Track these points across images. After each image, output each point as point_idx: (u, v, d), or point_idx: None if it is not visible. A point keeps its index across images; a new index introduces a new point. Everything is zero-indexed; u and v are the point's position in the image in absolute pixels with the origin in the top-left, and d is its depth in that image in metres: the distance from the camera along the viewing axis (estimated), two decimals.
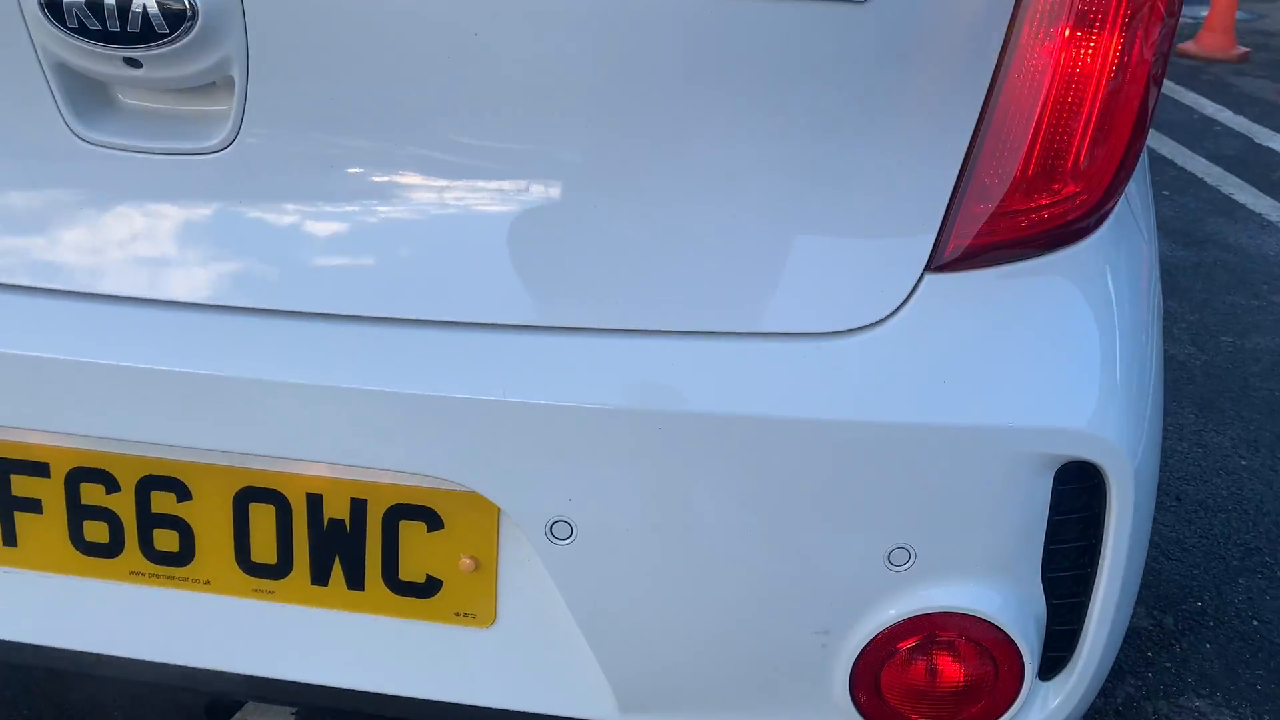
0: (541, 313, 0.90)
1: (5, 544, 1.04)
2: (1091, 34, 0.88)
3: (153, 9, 0.84)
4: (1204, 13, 5.93)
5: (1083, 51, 0.88)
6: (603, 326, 0.90)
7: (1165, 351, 2.37)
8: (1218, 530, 2.03)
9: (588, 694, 1.00)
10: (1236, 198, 3.71)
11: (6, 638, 1.07)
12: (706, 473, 0.90)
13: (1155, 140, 4.24)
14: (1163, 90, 4.03)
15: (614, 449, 0.90)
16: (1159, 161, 4.02)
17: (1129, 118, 0.91)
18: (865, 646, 0.95)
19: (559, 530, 0.92)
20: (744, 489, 0.90)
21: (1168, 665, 1.72)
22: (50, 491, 1.02)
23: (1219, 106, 4.75)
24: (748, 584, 0.94)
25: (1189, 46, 5.60)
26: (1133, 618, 1.60)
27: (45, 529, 1.03)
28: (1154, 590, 1.87)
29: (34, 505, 1.02)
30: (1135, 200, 1.08)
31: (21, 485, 1.02)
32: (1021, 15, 0.86)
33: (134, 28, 0.84)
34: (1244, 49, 5.58)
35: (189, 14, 0.84)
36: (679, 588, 0.94)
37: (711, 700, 1.00)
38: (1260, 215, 3.55)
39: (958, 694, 0.99)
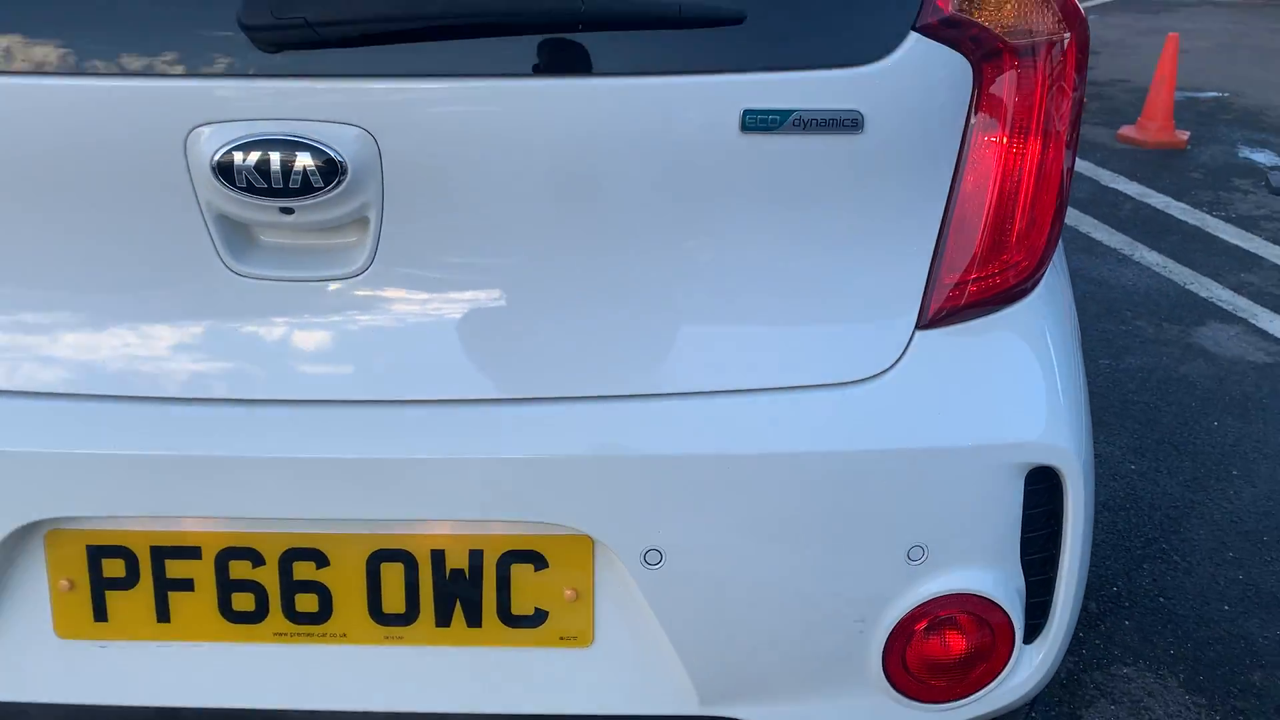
0: (638, 383, 1.13)
1: (159, 620, 1.21)
2: (1022, 141, 1.17)
3: (310, 167, 1.04)
4: None
5: (1015, 155, 1.17)
6: (687, 390, 1.13)
7: None
8: (1120, 526, 2.36)
9: (674, 692, 1.22)
10: (1094, 235, 4.17)
11: (165, 704, 1.22)
12: (767, 500, 1.14)
13: None
14: None
15: (694, 487, 1.13)
16: None
17: (1053, 202, 1.20)
18: (893, 628, 1.20)
19: (651, 557, 1.14)
20: (795, 511, 1.15)
21: (1097, 642, 2.02)
22: (202, 572, 1.19)
23: None
24: (800, 588, 1.17)
25: None
26: None
27: (196, 603, 1.20)
28: None
29: (185, 584, 1.20)
30: (1057, 259, 1.37)
31: (175, 568, 1.19)
32: (969, 132, 1.15)
33: (293, 184, 1.05)
34: None
35: (340, 170, 1.05)
36: (747, 596, 1.17)
37: (774, 687, 1.22)
38: (1116, 250, 4.01)
39: (965, 659, 1.24)
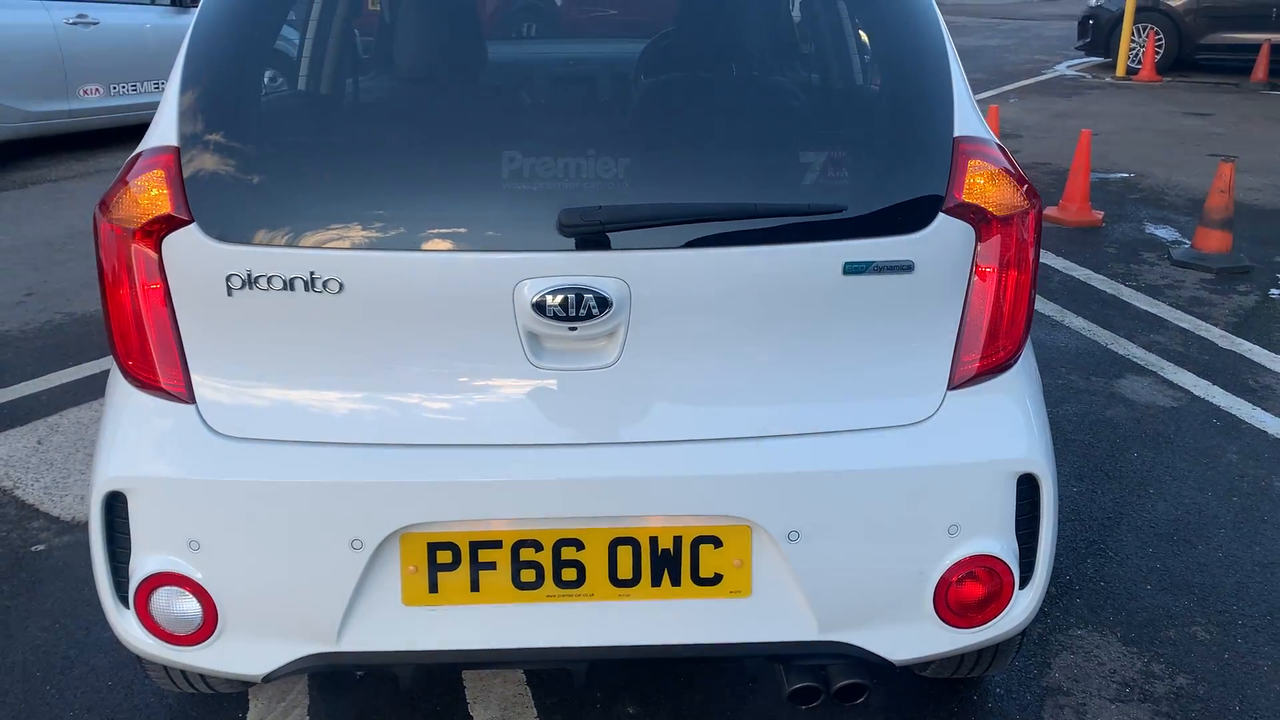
0: (782, 427, 1.83)
1: (472, 590, 1.86)
2: (1005, 273, 1.90)
3: (592, 303, 1.74)
4: None
5: (1002, 282, 1.90)
6: (813, 430, 1.83)
7: None
8: (1067, 533, 3.10)
9: (803, 625, 1.89)
10: None
11: (475, 647, 1.87)
12: (864, 498, 1.84)
13: None
14: None
15: (819, 490, 1.82)
16: None
17: (1025, 309, 1.93)
18: (939, 578, 1.89)
19: (792, 536, 1.83)
20: (881, 506, 1.84)
21: (1057, 614, 2.74)
22: (502, 557, 1.85)
23: None
24: (883, 553, 1.87)
25: None
26: None
27: (497, 578, 1.86)
28: None
29: (491, 565, 1.86)
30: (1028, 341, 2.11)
31: (485, 555, 1.85)
32: (974, 270, 1.88)
33: (582, 313, 1.74)
34: None
35: (607, 304, 1.75)
36: (851, 559, 1.86)
37: (865, 618, 1.90)
38: (1049, 316, 4.81)
39: (984, 599, 1.93)
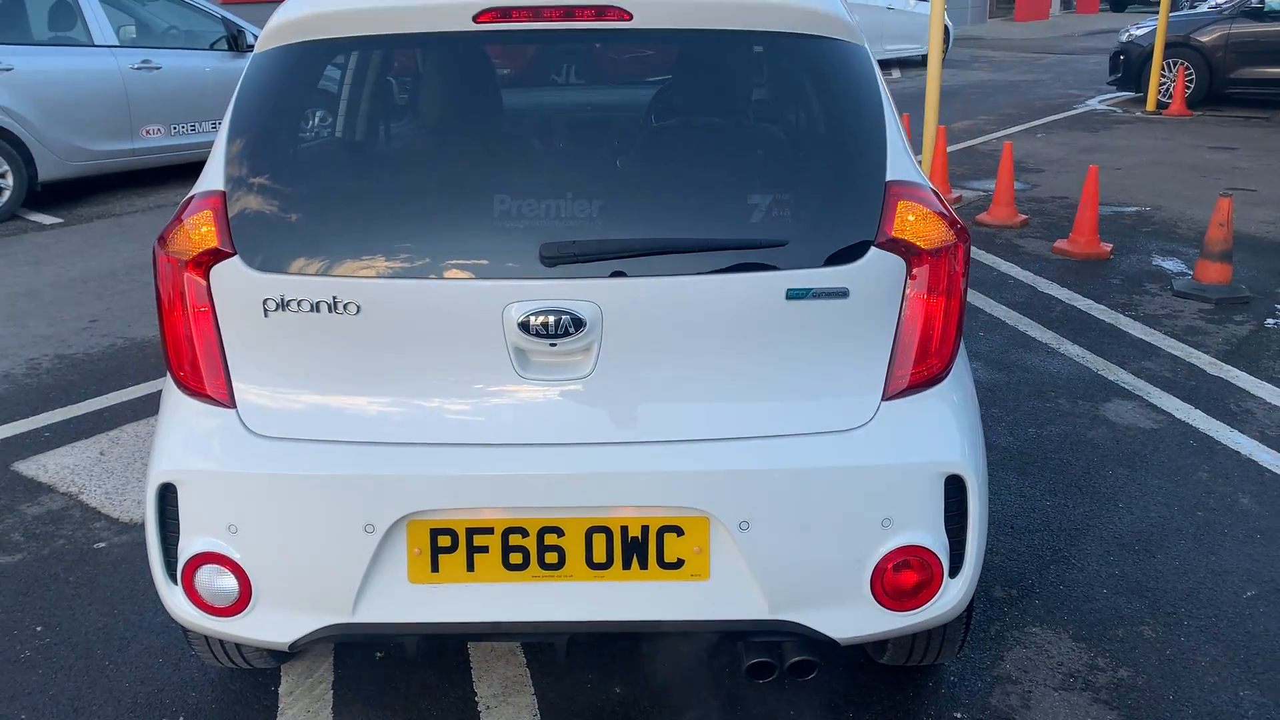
0: (734, 430, 2.11)
1: (468, 570, 2.16)
2: (933, 299, 2.18)
3: (569, 323, 2.04)
4: (992, 185, 7.72)
5: (930, 306, 2.18)
6: (760, 434, 2.11)
7: (993, 441, 3.72)
8: (1036, 543, 3.34)
9: (754, 605, 2.16)
10: (1029, 333, 5.21)
11: (471, 619, 2.17)
12: (807, 493, 2.11)
13: (970, 296, 5.76)
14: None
15: (767, 486, 2.10)
16: (972, 310, 5.51)
17: (954, 329, 2.21)
18: (875, 565, 2.16)
19: (743, 525, 2.11)
20: (822, 498, 2.12)
21: (1015, 613, 2.98)
22: (493, 541, 2.15)
23: (1010, 264, 6.36)
24: (825, 541, 2.14)
25: (984, 217, 7.29)
26: (991, 590, 2.90)
27: (489, 560, 2.16)
28: (1004, 576, 3.14)
29: (484, 549, 2.16)
30: (961, 356, 2.38)
31: (479, 540, 2.15)
32: (905, 296, 2.16)
33: (560, 331, 2.05)
34: (1024, 216, 7.31)
35: (583, 324, 2.05)
36: (796, 547, 2.13)
37: (810, 600, 2.17)
38: (1046, 344, 5.05)
39: (916, 585, 2.19)
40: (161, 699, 2.66)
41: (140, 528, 3.46)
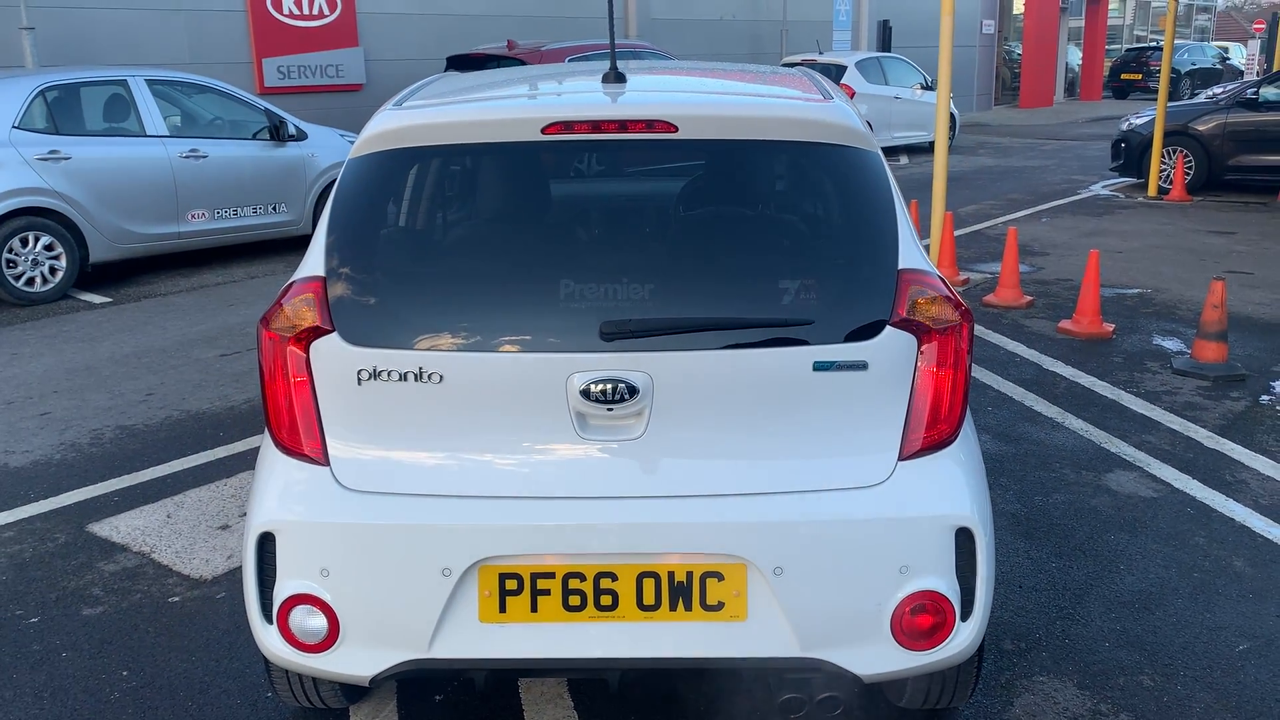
0: (769, 485, 2.40)
1: (532, 611, 2.43)
2: (941, 371, 2.48)
3: (625, 391, 2.35)
4: (998, 268, 8.06)
5: (939, 378, 2.48)
6: (793, 490, 2.40)
7: (1001, 507, 3.98)
8: (1043, 600, 3.58)
9: (787, 644, 2.42)
10: (1035, 408, 5.49)
11: (535, 656, 2.43)
12: (833, 542, 2.39)
13: (978, 371, 6.05)
14: (977, 334, 6.10)
15: (799, 536, 2.37)
16: (980, 386, 5.80)
17: (961, 398, 2.50)
18: (894, 608, 2.42)
19: (777, 571, 2.38)
20: (847, 548, 2.39)
21: (1024, 664, 3.22)
22: (554, 585, 2.42)
23: (1017, 343, 6.67)
24: (849, 586, 2.41)
25: (991, 299, 7.62)
26: (1001, 643, 3.15)
27: (551, 602, 2.43)
28: (1013, 631, 3.38)
29: (546, 592, 2.43)
30: (968, 421, 2.66)
31: (542, 584, 2.42)
32: (917, 369, 2.46)
33: (617, 398, 2.35)
34: (1029, 298, 7.64)
35: (636, 391, 2.36)
36: (824, 590, 2.40)
37: (835, 639, 2.43)
38: (1051, 419, 5.32)
39: (931, 627, 2.45)
40: None
41: (210, 584, 3.73)
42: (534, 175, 2.81)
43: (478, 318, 2.44)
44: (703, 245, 2.62)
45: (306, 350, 2.46)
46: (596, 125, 2.48)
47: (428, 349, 2.41)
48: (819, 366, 2.40)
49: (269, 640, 2.50)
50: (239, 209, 9.04)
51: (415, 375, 2.41)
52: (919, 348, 2.45)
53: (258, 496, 2.53)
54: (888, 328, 2.43)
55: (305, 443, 2.48)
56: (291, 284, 2.56)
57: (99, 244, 8.19)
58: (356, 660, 2.47)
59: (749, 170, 2.80)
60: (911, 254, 2.52)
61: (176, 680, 3.17)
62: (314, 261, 2.55)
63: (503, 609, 2.43)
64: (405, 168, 2.66)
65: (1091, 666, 3.19)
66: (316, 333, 2.45)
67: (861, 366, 2.41)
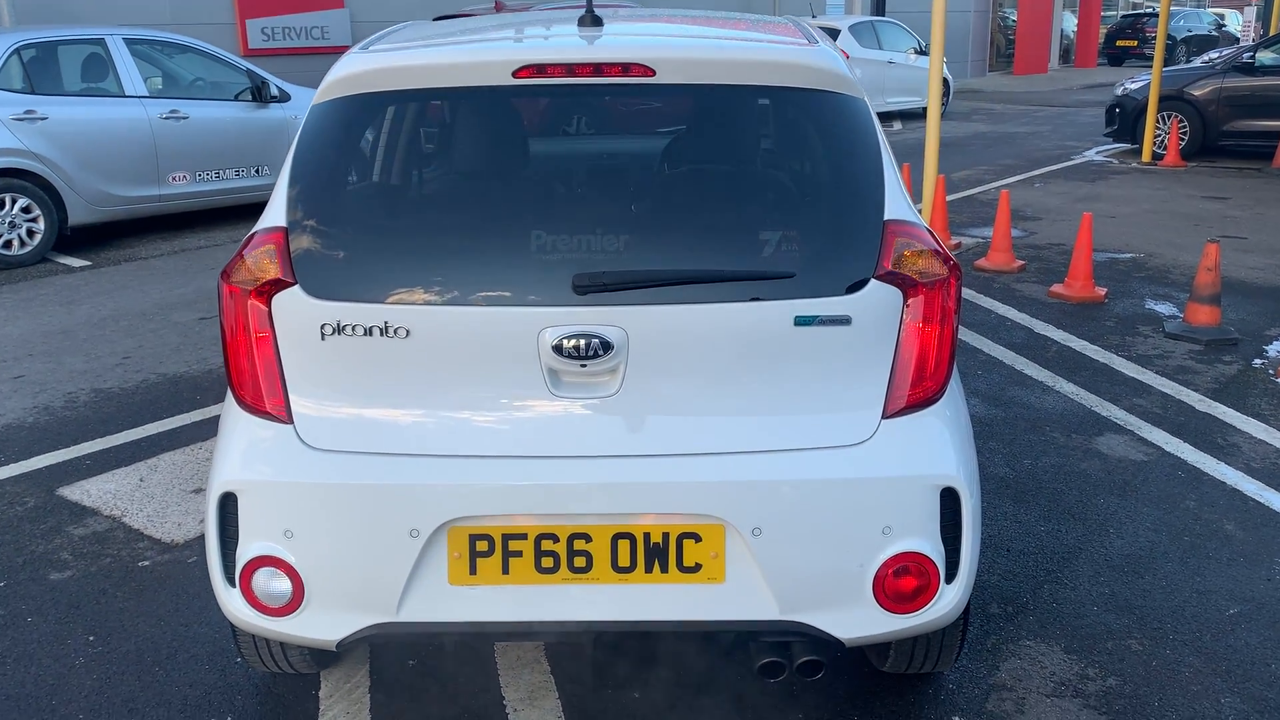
0: (746, 444, 2.31)
1: (503, 573, 2.35)
2: (928, 326, 2.39)
3: (598, 346, 2.26)
4: (990, 233, 7.97)
5: (926, 333, 2.39)
6: (772, 449, 2.32)
7: (990, 471, 3.91)
8: (1031, 565, 3.52)
9: (766, 607, 2.34)
10: (1026, 372, 5.42)
11: (505, 619, 2.35)
12: (814, 502, 2.31)
13: (968, 335, 5.97)
14: (966, 299, 6.01)
15: (778, 496, 2.30)
16: (970, 350, 5.73)
17: (948, 354, 2.42)
18: (876, 570, 2.35)
19: (756, 531, 2.31)
20: (828, 509, 2.31)
21: (1010, 628, 3.16)
22: (527, 546, 2.34)
23: (1008, 307, 6.58)
24: (830, 547, 2.33)
25: (982, 263, 7.53)
26: (988, 607, 3.09)
27: (523, 564, 2.35)
28: (1000, 594, 3.32)
29: (518, 553, 2.35)
30: (955, 379, 2.58)
31: (513, 545, 2.35)
32: (902, 323, 2.37)
33: (590, 354, 2.26)
34: (1021, 262, 7.55)
35: (611, 347, 2.27)
36: (804, 552, 2.32)
37: (816, 602, 2.35)
38: (1041, 383, 5.25)
39: (915, 590, 2.37)
40: (210, 701, 2.85)
41: (182, 548, 3.65)
42: (506, 122, 2.70)
43: (446, 270, 2.34)
44: (680, 196, 2.52)
45: (268, 304, 2.36)
46: (570, 69, 2.37)
47: (394, 303, 2.31)
48: (800, 321, 2.31)
49: (232, 604, 2.42)
50: (221, 171, 8.88)
51: (381, 330, 2.31)
52: (905, 302, 2.36)
53: (219, 456, 2.44)
54: (872, 281, 2.34)
55: (268, 400, 2.39)
56: (253, 235, 2.46)
57: (77, 206, 8.05)
58: (322, 624, 2.40)
59: (730, 117, 2.69)
60: (899, 205, 2.43)
61: (144, 645, 3.09)
62: (276, 212, 2.45)
63: (473, 571, 2.35)
64: (371, 114, 2.55)
65: (1079, 631, 3.13)
66: (278, 285, 2.35)
67: (845, 321, 2.32)
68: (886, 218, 2.39)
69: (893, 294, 2.35)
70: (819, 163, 2.58)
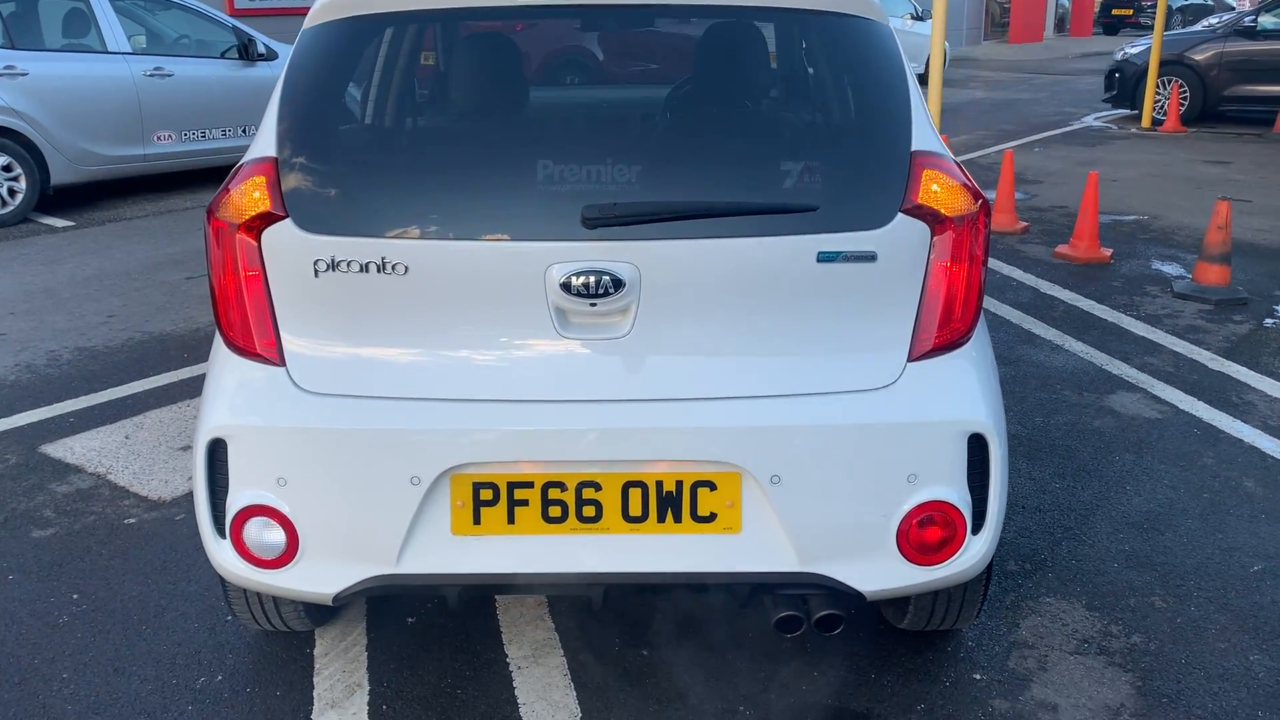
0: (766, 388, 2.19)
1: (509, 523, 2.23)
2: (957, 265, 2.27)
3: (608, 283, 2.13)
4: (993, 195, 7.84)
5: (954, 272, 2.27)
6: (793, 392, 2.20)
7: None
8: (1048, 521, 3.42)
9: (785, 556, 2.23)
10: (1034, 330, 5.30)
11: (511, 570, 2.24)
12: (836, 449, 2.19)
13: None
14: None
15: (799, 441, 2.18)
16: None
17: (976, 295, 2.29)
18: (901, 520, 2.24)
19: (774, 480, 2.19)
20: (850, 456, 2.20)
21: (1029, 585, 3.05)
22: (533, 495, 2.22)
23: (1013, 268, 6.47)
24: (853, 496, 2.22)
25: None
26: (1005, 564, 2.98)
27: (529, 513, 2.23)
28: (1017, 551, 3.22)
29: (524, 502, 2.23)
30: (982, 323, 2.46)
31: (519, 493, 2.22)
32: (930, 261, 2.24)
33: (600, 291, 2.13)
34: (1024, 224, 7.43)
35: (622, 285, 2.14)
36: (825, 501, 2.21)
37: (838, 553, 2.24)
38: (1049, 341, 5.14)
39: (940, 541, 2.27)
40: (200, 660, 2.73)
41: (169, 505, 3.52)
42: (510, 47, 2.56)
43: (446, 203, 2.20)
44: (696, 125, 2.38)
45: (258, 239, 2.22)
46: None
47: (391, 237, 2.17)
48: (823, 258, 2.18)
49: (222, 556, 2.30)
50: (207, 131, 8.68)
51: (378, 266, 2.18)
52: (932, 238, 2.23)
53: (207, 400, 2.31)
54: (899, 215, 2.21)
55: (258, 341, 2.26)
56: (240, 166, 2.31)
57: (60, 165, 7.85)
58: (318, 577, 2.28)
59: (747, 43, 2.55)
60: (926, 136, 2.30)
61: (130, 603, 2.97)
62: (265, 142, 2.30)
63: (477, 521, 2.23)
64: (365, 38, 2.40)
65: (1100, 588, 3.03)
66: (268, 219, 2.21)
67: (870, 258, 2.20)
68: (914, 148, 2.26)
69: (920, 229, 2.22)
70: (842, 91, 2.45)
